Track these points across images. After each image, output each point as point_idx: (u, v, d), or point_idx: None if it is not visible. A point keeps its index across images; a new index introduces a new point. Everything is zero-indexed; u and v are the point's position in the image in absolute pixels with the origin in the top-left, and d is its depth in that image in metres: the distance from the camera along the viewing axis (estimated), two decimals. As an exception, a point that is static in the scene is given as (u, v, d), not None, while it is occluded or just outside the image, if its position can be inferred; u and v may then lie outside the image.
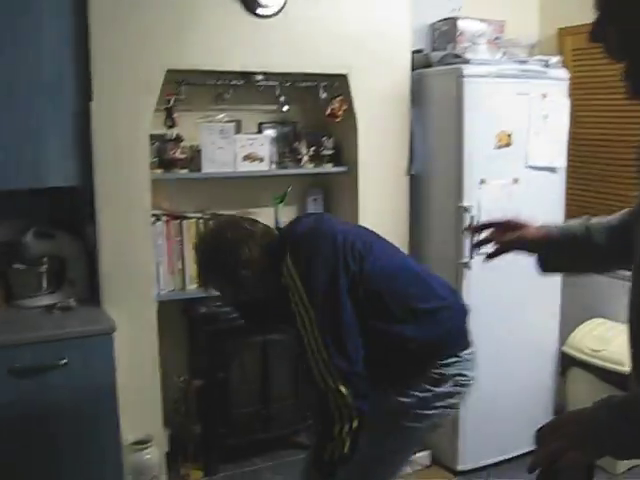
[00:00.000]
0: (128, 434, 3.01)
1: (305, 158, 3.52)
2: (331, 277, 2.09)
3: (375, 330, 2.13)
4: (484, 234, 1.84)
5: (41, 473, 2.68)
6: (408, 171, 3.60)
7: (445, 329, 2.21)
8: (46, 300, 3.01)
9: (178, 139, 3.22)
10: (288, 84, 3.43)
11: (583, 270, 2.08)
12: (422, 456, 3.66)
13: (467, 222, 3.26)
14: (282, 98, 3.42)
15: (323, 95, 3.47)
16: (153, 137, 3.16)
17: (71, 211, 3.19)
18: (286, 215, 3.59)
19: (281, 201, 3.53)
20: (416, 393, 2.15)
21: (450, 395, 2.19)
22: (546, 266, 1.78)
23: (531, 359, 3.62)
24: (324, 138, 3.55)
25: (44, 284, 3.05)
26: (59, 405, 2.69)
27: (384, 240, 2.39)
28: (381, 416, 2.16)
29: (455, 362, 2.19)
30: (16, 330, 2.76)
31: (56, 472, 2.70)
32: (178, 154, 3.20)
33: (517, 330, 3.52)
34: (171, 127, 3.20)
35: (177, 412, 3.40)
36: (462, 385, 2.21)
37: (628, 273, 1.37)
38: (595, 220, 1.73)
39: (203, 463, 3.44)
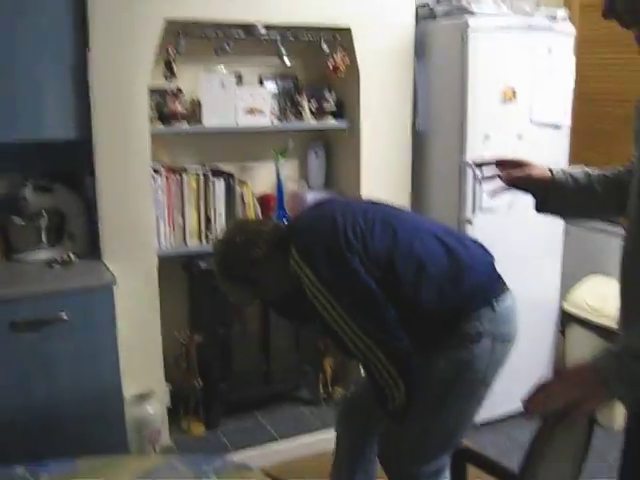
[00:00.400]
0: (129, 389, 3.01)
1: (307, 112, 3.48)
2: (338, 257, 2.06)
3: (397, 299, 2.09)
4: (490, 170, 1.90)
5: (42, 427, 2.69)
6: (412, 126, 3.56)
7: (466, 287, 2.14)
8: (46, 254, 3.00)
9: (178, 92, 3.18)
10: (290, 37, 3.37)
11: (578, 215, 2.18)
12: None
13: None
14: (284, 51, 3.35)
15: (325, 48, 3.41)
16: (153, 90, 3.11)
17: (69, 165, 3.15)
18: (287, 169, 3.56)
19: (282, 155, 3.49)
20: (456, 353, 2.12)
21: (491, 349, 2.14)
22: (543, 206, 1.88)
23: (532, 315, 3.59)
24: (326, 92, 3.50)
25: (44, 238, 3.03)
26: (60, 359, 2.70)
27: (394, 210, 2.34)
28: (431, 383, 2.13)
29: (484, 316, 2.12)
30: (16, 284, 2.76)
31: (57, 426, 2.71)
32: (178, 107, 3.15)
33: (518, 286, 3.47)
34: (170, 79, 3.14)
35: (178, 367, 3.41)
36: (502, 340, 2.16)
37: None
38: (594, 170, 1.83)
39: (204, 417, 3.46)
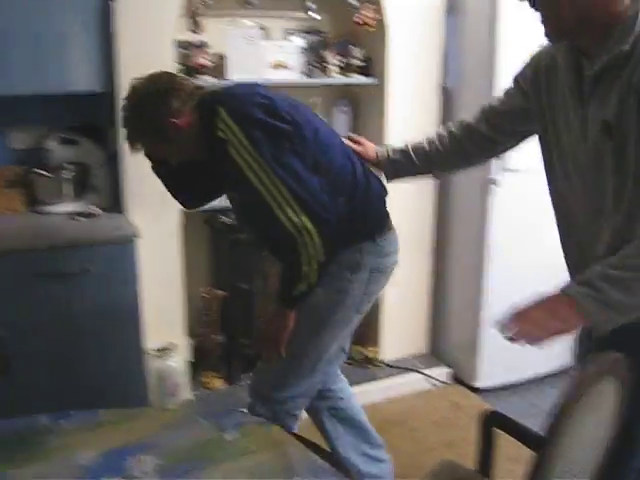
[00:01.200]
0: (151, 342, 3.03)
1: (333, 68, 3.42)
2: (272, 121, 2.02)
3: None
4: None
5: (63, 376, 2.72)
6: (440, 84, 3.50)
7: (357, 214, 2.18)
8: (69, 207, 3.00)
9: (203, 45, 3.13)
10: (318, -10, 3.31)
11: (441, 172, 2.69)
12: (441, 373, 3.69)
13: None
14: (311, 5, 3.29)
15: (354, 3, 3.34)
16: (178, 43, 3.07)
17: (93, 118, 3.14)
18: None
19: (308, 112, 3.45)
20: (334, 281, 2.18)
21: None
22: (387, 178, 2.31)
23: (550, 281, 3.58)
24: (353, 48, 3.44)
25: (67, 191, 3.02)
26: (83, 311, 2.71)
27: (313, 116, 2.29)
28: (308, 307, 2.17)
29: (364, 249, 2.19)
30: (40, 236, 2.76)
31: (80, 377, 2.74)
32: (203, 61, 3.11)
33: (537, 250, 3.46)
34: (196, 32, 3.10)
35: (200, 322, 3.43)
36: (378, 271, 2.24)
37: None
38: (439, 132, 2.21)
39: (225, 372, 3.49)
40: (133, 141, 2.16)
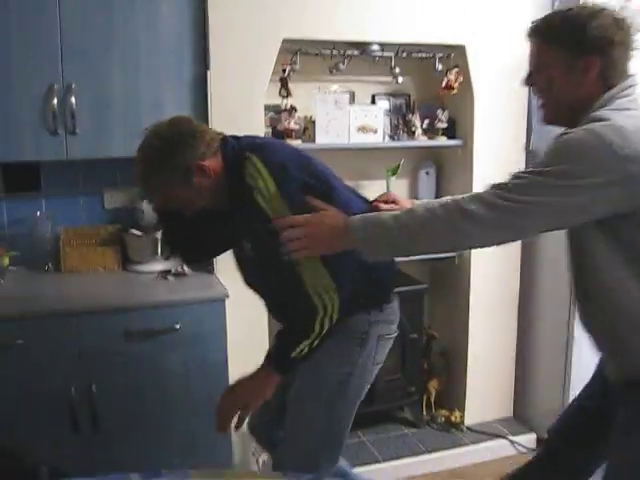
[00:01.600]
0: (236, 401, 3.04)
1: (418, 131, 3.45)
2: (305, 188, 1.93)
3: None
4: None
5: (153, 434, 2.76)
6: (526, 146, 3.48)
7: (369, 285, 2.11)
8: (160, 266, 3.07)
9: (292, 109, 3.21)
10: (404, 55, 3.36)
11: None
12: (527, 439, 3.60)
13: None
14: (397, 69, 3.35)
15: (439, 67, 3.39)
16: (267, 107, 3.15)
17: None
18: (397, 188, 3.54)
19: (393, 174, 3.47)
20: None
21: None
22: None
23: None
24: (438, 111, 3.47)
25: (159, 250, 3.11)
26: (172, 369, 2.75)
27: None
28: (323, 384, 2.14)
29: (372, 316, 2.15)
30: (132, 294, 2.84)
31: (167, 434, 2.78)
32: (292, 124, 3.19)
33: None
34: (286, 97, 3.18)
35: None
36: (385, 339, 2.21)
37: None
38: None
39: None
40: (152, 189, 2.08)
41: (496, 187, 1.65)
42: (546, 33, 1.76)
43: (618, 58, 1.72)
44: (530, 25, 1.81)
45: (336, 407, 2.16)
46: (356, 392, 2.19)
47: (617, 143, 1.54)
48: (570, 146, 1.60)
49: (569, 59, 1.72)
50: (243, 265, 2.26)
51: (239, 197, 1.96)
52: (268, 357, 2.05)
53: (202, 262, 2.52)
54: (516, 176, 1.66)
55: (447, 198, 1.71)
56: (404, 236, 1.71)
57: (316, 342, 1.97)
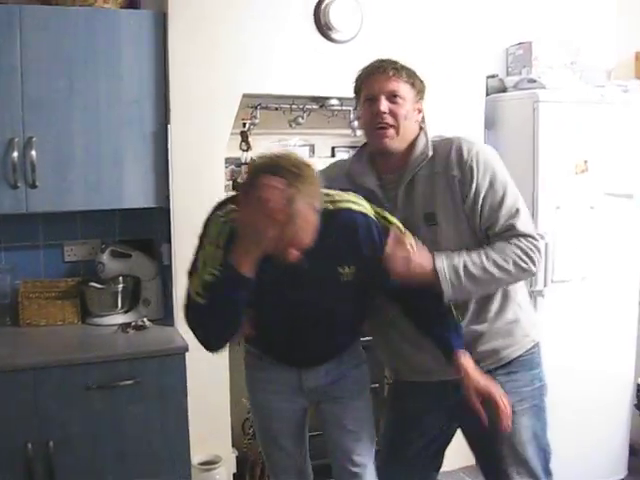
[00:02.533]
0: (197, 454, 3.02)
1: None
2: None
3: None
4: None
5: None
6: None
7: None
8: (121, 319, 3.06)
9: (252, 162, 3.25)
10: (361, 109, 3.43)
11: None
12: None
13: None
14: (355, 123, 3.42)
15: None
16: (228, 160, 3.20)
17: (146, 232, 3.25)
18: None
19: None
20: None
21: None
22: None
23: (606, 390, 3.52)
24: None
25: (119, 303, 3.10)
26: (131, 423, 2.72)
27: None
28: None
29: None
30: (91, 348, 2.82)
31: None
32: (252, 177, 3.22)
33: (591, 361, 3.43)
34: (246, 150, 3.23)
35: (244, 433, 3.41)
36: None
37: None
38: None
39: (269, 485, 3.43)
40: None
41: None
42: None
43: None
44: None
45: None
46: None
47: None
48: None
49: None
50: (307, 301, 2.03)
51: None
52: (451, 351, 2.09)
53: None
54: None
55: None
56: None
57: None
